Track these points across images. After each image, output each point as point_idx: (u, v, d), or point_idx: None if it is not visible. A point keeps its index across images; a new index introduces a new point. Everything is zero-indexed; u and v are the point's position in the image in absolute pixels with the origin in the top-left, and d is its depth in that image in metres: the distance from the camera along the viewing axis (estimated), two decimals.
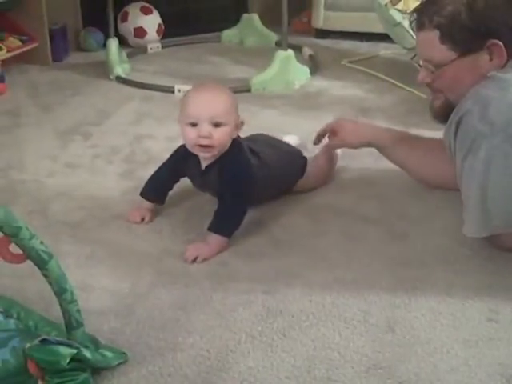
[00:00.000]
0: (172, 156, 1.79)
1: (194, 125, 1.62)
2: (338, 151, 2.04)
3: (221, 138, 1.62)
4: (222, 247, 1.62)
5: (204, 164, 1.69)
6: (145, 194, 1.80)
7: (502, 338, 1.31)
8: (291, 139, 2.02)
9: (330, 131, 1.92)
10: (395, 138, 1.87)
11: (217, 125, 1.61)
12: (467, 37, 1.53)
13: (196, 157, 1.69)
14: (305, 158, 1.89)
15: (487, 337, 1.31)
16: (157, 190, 1.81)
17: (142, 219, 1.76)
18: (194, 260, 1.58)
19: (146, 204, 1.79)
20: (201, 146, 1.63)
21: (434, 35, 1.56)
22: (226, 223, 1.64)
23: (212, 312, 1.40)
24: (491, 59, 1.53)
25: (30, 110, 2.65)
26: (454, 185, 1.59)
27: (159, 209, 1.81)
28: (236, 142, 1.68)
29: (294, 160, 1.87)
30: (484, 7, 1.51)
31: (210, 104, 1.62)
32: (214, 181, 1.68)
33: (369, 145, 1.90)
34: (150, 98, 2.77)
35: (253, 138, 1.85)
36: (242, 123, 1.68)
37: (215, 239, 1.61)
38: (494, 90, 1.47)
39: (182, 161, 1.74)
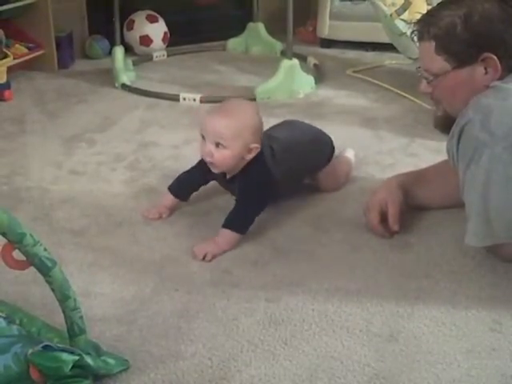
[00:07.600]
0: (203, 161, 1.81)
1: (203, 137, 1.67)
2: (351, 156, 2.05)
3: (220, 159, 1.66)
4: (230, 244, 1.65)
5: (228, 175, 1.75)
6: (172, 189, 1.84)
7: (505, 348, 1.31)
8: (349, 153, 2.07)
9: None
10: (407, 184, 1.79)
11: (219, 145, 1.64)
12: (462, 49, 1.54)
13: None
14: (333, 147, 1.93)
15: (490, 347, 1.31)
16: (184, 188, 1.85)
17: (160, 216, 1.81)
18: (204, 258, 1.61)
19: (166, 201, 1.83)
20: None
21: (430, 46, 1.58)
22: (235, 219, 1.67)
23: (214, 320, 1.40)
24: (486, 72, 1.53)
25: (36, 116, 2.66)
26: None
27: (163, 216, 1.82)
28: (257, 158, 1.70)
29: (320, 141, 1.92)
30: (479, 21, 1.51)
31: (217, 124, 1.65)
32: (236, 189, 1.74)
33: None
34: (155, 105, 2.78)
35: (278, 126, 1.94)
36: (257, 148, 1.68)
37: (222, 236, 1.65)
38: (495, 100, 1.47)
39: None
